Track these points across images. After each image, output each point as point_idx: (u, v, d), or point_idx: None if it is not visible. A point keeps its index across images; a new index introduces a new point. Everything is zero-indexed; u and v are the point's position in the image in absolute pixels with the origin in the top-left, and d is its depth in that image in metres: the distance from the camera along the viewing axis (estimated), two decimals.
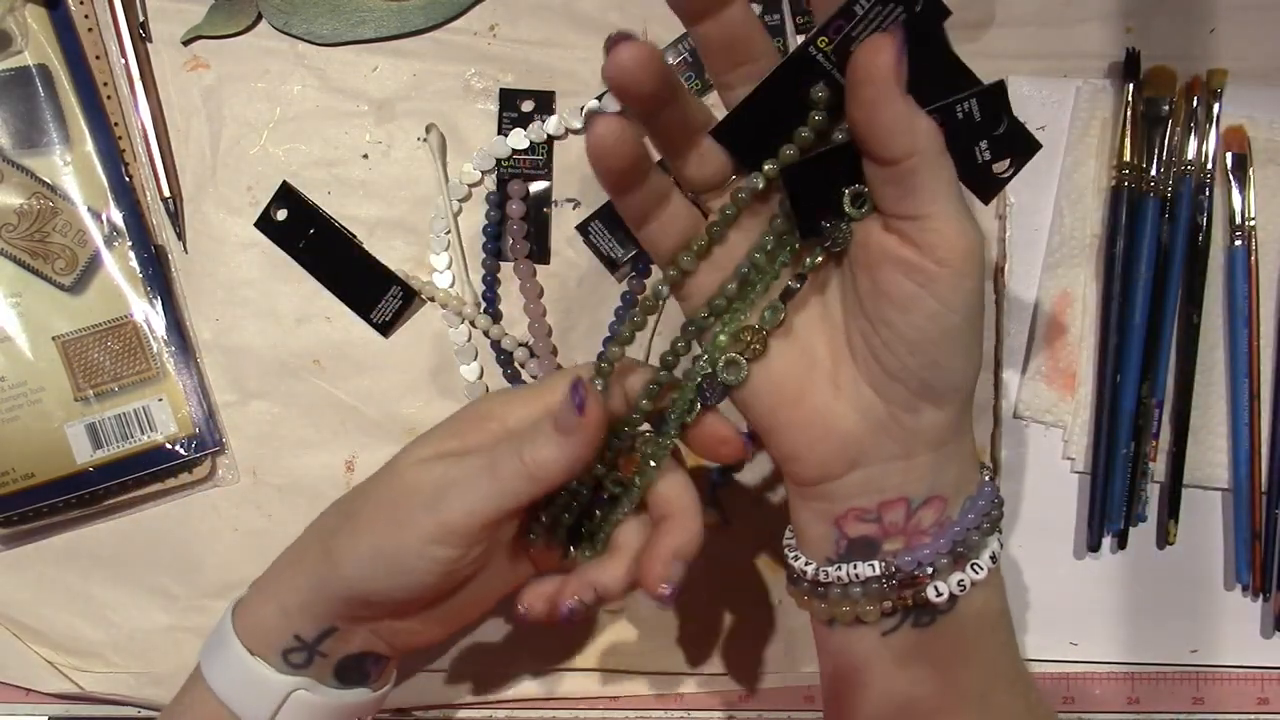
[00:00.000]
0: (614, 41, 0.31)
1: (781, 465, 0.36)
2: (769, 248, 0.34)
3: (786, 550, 0.38)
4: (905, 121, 0.30)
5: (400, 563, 0.35)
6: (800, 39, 0.52)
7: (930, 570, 0.34)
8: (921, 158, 0.30)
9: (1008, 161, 0.33)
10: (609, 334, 0.51)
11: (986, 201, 0.34)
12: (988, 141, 0.32)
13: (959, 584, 0.34)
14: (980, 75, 0.54)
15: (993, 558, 0.35)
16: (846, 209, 0.33)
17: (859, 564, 0.34)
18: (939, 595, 0.34)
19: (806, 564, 0.36)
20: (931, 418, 0.33)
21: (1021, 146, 0.33)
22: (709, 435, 0.37)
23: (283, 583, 0.38)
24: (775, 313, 0.35)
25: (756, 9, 0.52)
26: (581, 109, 0.52)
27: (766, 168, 0.33)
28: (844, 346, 0.34)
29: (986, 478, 0.36)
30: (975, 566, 0.34)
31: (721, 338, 0.35)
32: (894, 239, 0.32)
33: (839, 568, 0.35)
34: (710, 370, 0.35)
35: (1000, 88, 0.32)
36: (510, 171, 0.52)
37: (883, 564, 0.34)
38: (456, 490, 0.35)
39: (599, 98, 0.52)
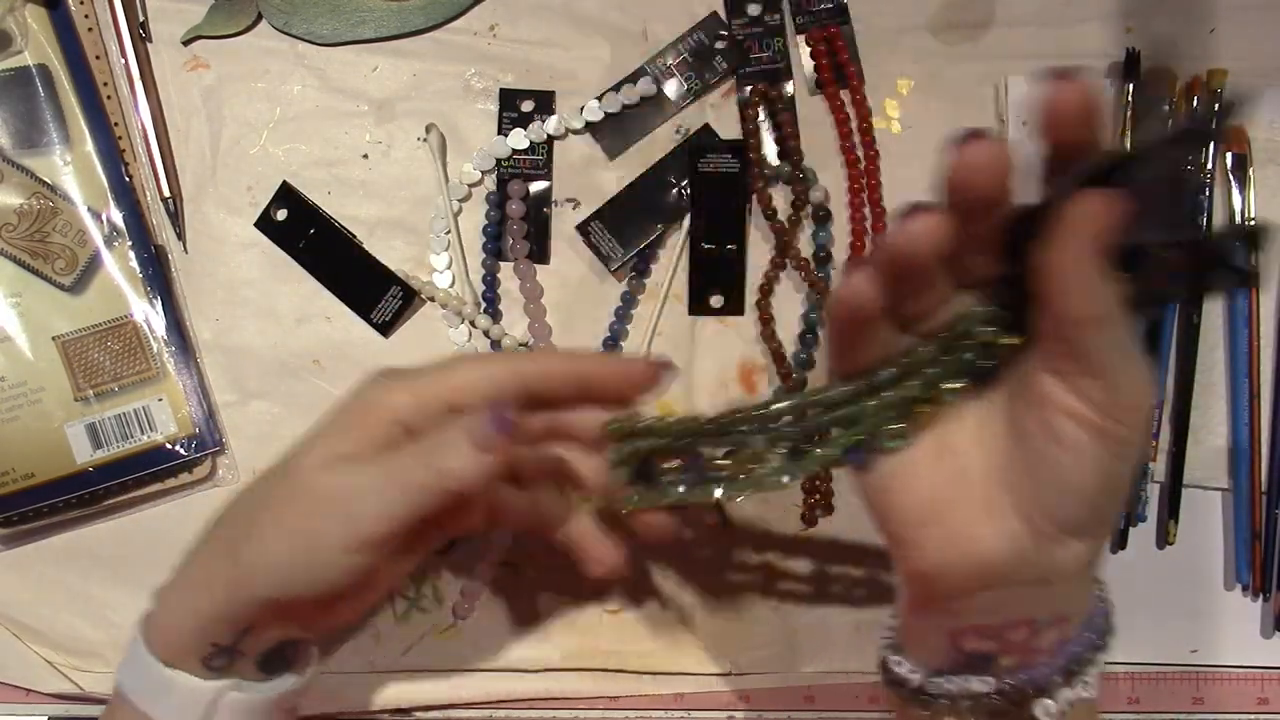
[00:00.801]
0: (965, 138, 0.29)
1: (907, 579, 0.35)
2: (987, 319, 0.32)
3: (887, 652, 0.36)
4: (1092, 286, 0.28)
5: (315, 570, 0.35)
6: (801, 39, 0.52)
7: (1042, 689, 0.33)
8: (1100, 323, 0.28)
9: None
10: (609, 334, 0.51)
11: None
12: (1227, 271, 0.30)
13: (1067, 701, 0.33)
14: (980, 75, 0.54)
15: (1099, 673, 0.34)
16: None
17: (972, 679, 0.33)
18: (1048, 714, 0.33)
19: (912, 672, 0.35)
20: (1076, 551, 0.32)
21: (1250, 279, 0.31)
22: None
23: (192, 592, 0.38)
24: (954, 390, 0.32)
25: (756, 9, 0.52)
26: (581, 109, 0.52)
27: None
28: (999, 473, 0.32)
29: (1099, 592, 0.35)
30: (1085, 683, 0.33)
31: (873, 403, 0.33)
32: (1062, 387, 0.30)
33: (949, 680, 0.34)
34: (859, 435, 0.33)
35: (1263, 231, 0.30)
36: (510, 171, 0.52)
37: (996, 680, 0.33)
38: (366, 501, 0.35)
39: (599, 98, 0.52)
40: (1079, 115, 0.28)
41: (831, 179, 0.52)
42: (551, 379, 0.37)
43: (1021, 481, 0.32)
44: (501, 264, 0.52)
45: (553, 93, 0.52)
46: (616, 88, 0.52)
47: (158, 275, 0.50)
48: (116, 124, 0.50)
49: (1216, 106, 0.29)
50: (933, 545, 0.33)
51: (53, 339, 0.49)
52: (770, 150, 0.52)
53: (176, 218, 0.51)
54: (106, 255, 0.50)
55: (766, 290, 0.51)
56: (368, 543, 0.35)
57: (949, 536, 0.33)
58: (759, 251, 0.52)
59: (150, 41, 0.52)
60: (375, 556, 0.35)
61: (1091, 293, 0.28)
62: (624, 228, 0.51)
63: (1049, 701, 0.33)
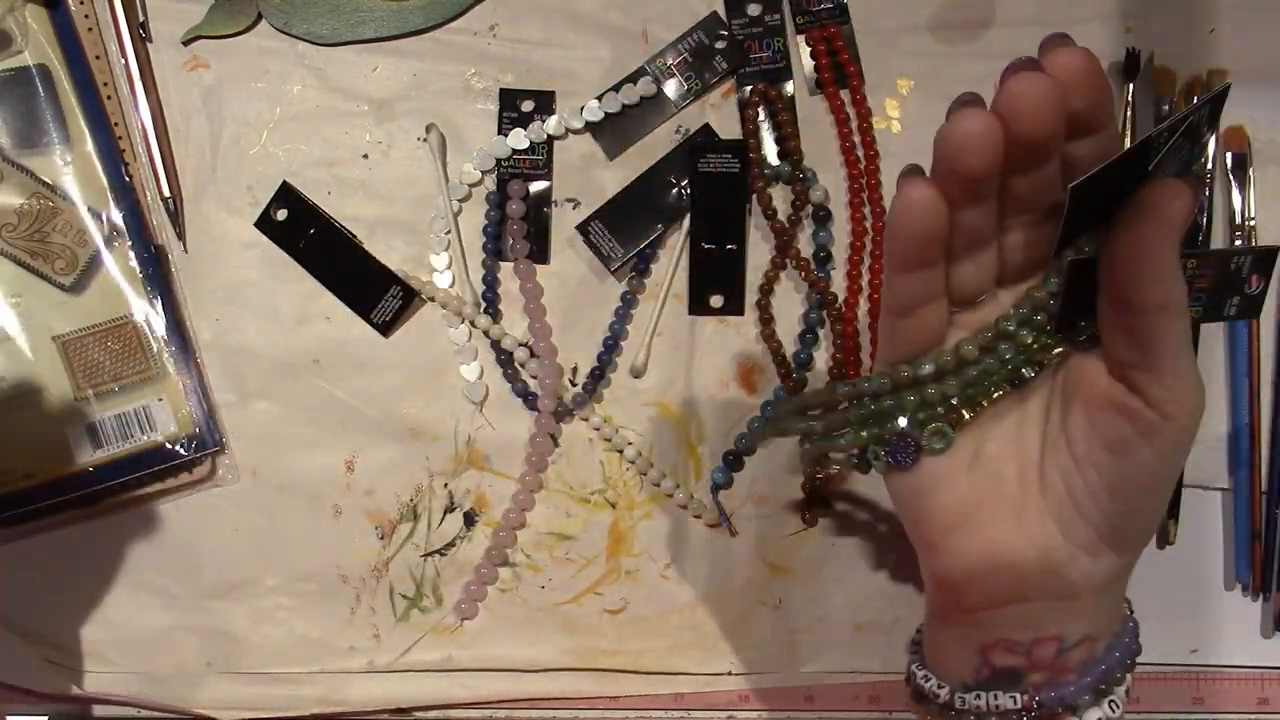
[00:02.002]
0: (1015, 69, 0.27)
1: (936, 587, 0.35)
2: (1026, 319, 0.32)
3: (914, 666, 0.36)
4: (1169, 272, 0.28)
5: None
6: (801, 39, 0.52)
7: (1071, 707, 0.33)
8: (1169, 311, 0.28)
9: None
10: (609, 334, 0.51)
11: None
12: (1239, 298, 0.32)
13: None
14: (980, 75, 0.54)
15: (1127, 692, 0.34)
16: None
17: (1000, 694, 0.33)
18: None
19: (940, 686, 0.35)
20: (1109, 564, 0.32)
21: (1257, 308, 0.32)
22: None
23: None
24: (995, 388, 0.32)
25: (756, 9, 0.52)
26: (581, 109, 0.52)
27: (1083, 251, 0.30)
28: (1035, 479, 0.32)
29: (1128, 611, 0.35)
30: (1113, 703, 0.33)
31: (936, 395, 0.32)
32: (1120, 386, 0.30)
33: (978, 696, 0.34)
34: (908, 428, 0.33)
35: (1275, 251, 0.31)
36: (510, 171, 0.52)
37: (1025, 696, 0.33)
38: None
39: (599, 98, 0.52)
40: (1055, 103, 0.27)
41: (831, 179, 0.52)
42: None
43: (1060, 487, 0.31)
44: (501, 264, 0.52)
45: (553, 93, 0.52)
46: (616, 88, 0.52)
47: (158, 275, 0.50)
48: (116, 124, 0.50)
49: (1199, 97, 0.30)
50: (963, 552, 0.33)
51: (53, 339, 0.49)
52: (770, 150, 0.52)
53: (176, 217, 0.51)
54: (106, 255, 0.50)
55: (766, 290, 0.51)
56: None
57: (983, 546, 0.32)
58: (759, 251, 0.52)
59: (150, 41, 0.52)
60: None
61: (1166, 279, 0.28)
62: (624, 228, 0.51)
63: None
